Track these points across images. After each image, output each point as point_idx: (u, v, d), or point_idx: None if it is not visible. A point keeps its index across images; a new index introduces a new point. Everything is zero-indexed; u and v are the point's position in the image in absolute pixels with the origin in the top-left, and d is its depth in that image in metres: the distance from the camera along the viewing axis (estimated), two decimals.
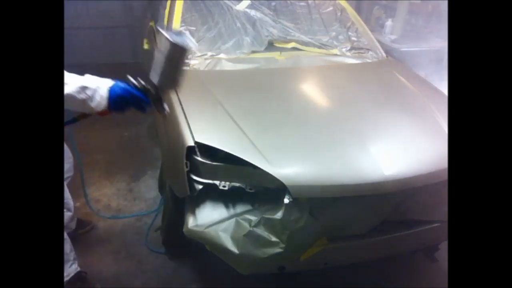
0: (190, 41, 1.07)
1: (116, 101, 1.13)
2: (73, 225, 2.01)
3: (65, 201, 1.62)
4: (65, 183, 1.64)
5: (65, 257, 1.76)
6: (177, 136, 1.58)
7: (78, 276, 1.82)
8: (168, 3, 2.44)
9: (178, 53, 1.07)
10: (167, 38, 1.04)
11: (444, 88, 2.00)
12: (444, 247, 2.07)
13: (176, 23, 2.25)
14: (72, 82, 1.09)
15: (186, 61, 1.09)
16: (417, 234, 1.63)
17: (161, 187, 2.12)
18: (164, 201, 2.02)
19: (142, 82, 1.14)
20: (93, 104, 1.12)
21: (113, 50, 4.16)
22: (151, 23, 2.97)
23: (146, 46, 2.89)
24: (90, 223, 2.26)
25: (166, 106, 1.17)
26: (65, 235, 1.75)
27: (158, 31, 1.06)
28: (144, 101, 1.15)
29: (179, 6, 2.33)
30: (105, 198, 2.55)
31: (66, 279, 1.77)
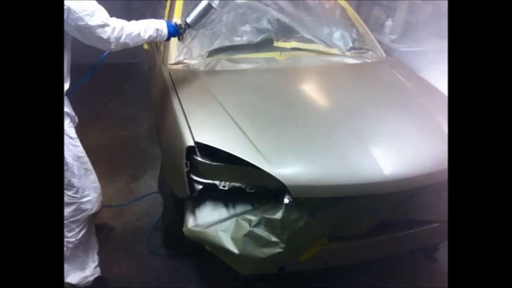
0: (215, 5, 1.82)
1: (170, 34, 1.76)
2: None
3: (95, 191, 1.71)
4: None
5: (94, 257, 1.84)
6: (177, 136, 1.58)
7: (100, 280, 1.87)
8: (168, 3, 2.45)
9: (210, 10, 1.82)
10: (208, 1, 1.79)
11: (444, 88, 2.00)
12: (444, 247, 2.07)
13: None
14: (149, 27, 1.64)
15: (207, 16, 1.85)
16: (417, 234, 1.63)
17: (161, 187, 2.12)
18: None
19: (179, 22, 1.80)
20: (160, 38, 1.72)
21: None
22: None
23: (146, 46, 2.88)
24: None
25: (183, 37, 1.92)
26: (94, 233, 1.85)
27: None
28: (178, 33, 1.82)
29: (179, 6, 2.33)
30: (105, 198, 2.52)
31: (90, 278, 1.83)
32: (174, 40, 2.18)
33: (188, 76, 2.01)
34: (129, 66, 4.32)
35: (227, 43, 2.21)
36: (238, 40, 2.23)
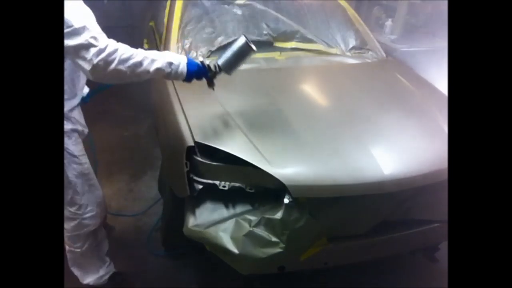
0: (255, 47, 1.46)
1: (190, 74, 1.41)
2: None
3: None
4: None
5: (105, 258, 1.86)
6: (177, 136, 1.58)
7: (116, 275, 1.89)
8: (168, 3, 2.44)
9: (247, 52, 1.46)
10: (244, 39, 1.44)
11: (444, 88, 2.00)
12: (444, 247, 2.07)
13: (176, 23, 2.25)
14: (160, 58, 1.33)
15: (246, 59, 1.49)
16: (417, 234, 1.63)
17: (161, 187, 2.12)
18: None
19: (207, 62, 1.45)
20: (175, 76, 1.39)
21: None
22: (151, 23, 2.97)
23: (146, 46, 2.89)
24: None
25: (215, 83, 1.51)
26: (104, 236, 1.85)
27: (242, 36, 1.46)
28: (206, 76, 1.46)
29: (179, 6, 2.33)
30: (106, 198, 2.54)
31: (105, 277, 1.85)
32: (173, 41, 2.19)
33: None
34: None
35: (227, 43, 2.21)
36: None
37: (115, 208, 2.47)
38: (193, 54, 2.14)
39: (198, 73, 1.43)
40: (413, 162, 1.50)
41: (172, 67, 1.36)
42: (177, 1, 2.35)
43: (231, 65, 1.46)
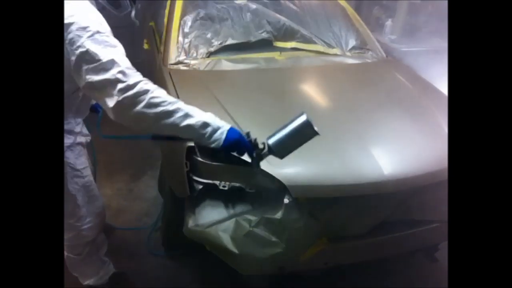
0: (317, 130, 1.18)
1: (229, 143, 1.19)
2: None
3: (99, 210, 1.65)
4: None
5: (104, 257, 1.83)
6: None
7: (116, 275, 1.87)
8: (168, 3, 2.44)
9: (308, 134, 1.17)
10: (305, 117, 1.16)
11: (444, 88, 2.00)
12: (444, 247, 2.07)
13: (176, 23, 2.25)
14: (197, 116, 1.15)
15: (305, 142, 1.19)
16: (417, 234, 1.63)
17: (161, 187, 2.12)
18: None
19: (254, 137, 1.21)
20: (209, 140, 1.18)
21: None
22: (151, 23, 2.97)
23: (146, 46, 2.89)
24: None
25: (260, 165, 1.25)
26: (104, 239, 1.82)
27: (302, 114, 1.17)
28: (250, 152, 1.22)
29: (179, 6, 2.33)
30: (105, 198, 2.53)
31: (105, 277, 1.83)
32: (173, 41, 2.19)
33: (188, 76, 2.01)
34: None
35: (227, 43, 2.21)
36: (237, 40, 2.23)
37: (115, 208, 2.47)
38: (193, 54, 2.14)
39: (239, 145, 1.20)
40: (413, 162, 1.50)
41: (208, 129, 1.15)
42: (177, 1, 2.35)
43: (285, 147, 1.18)
